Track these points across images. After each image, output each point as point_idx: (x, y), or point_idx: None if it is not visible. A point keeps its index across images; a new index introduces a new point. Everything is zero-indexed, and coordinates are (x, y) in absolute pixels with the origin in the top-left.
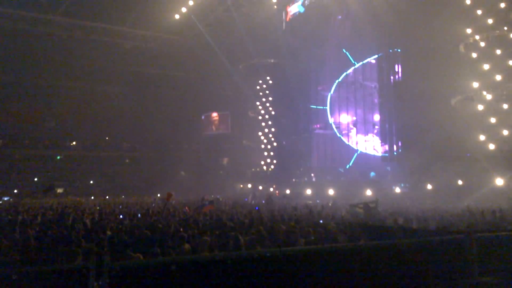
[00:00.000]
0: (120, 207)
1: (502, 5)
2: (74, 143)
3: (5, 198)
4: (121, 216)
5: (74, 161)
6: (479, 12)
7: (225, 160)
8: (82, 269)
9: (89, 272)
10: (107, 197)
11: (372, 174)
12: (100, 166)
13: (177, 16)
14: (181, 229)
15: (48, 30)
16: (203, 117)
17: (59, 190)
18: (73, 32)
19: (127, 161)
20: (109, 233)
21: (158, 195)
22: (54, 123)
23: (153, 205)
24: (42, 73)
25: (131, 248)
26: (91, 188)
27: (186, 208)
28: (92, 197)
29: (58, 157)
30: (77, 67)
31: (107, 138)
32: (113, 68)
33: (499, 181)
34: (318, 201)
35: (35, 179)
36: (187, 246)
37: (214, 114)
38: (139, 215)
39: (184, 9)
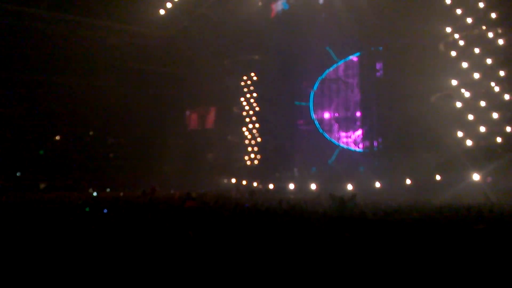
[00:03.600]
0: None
1: (481, 4)
2: (57, 137)
3: None
4: (105, 211)
5: (57, 156)
6: (458, 11)
7: (210, 156)
8: None
9: None
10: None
11: (362, 168)
12: (84, 160)
13: (162, 12)
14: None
15: (32, 24)
16: (187, 113)
17: (42, 185)
18: (57, 26)
19: (111, 155)
20: None
21: (143, 190)
22: (38, 118)
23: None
24: (25, 67)
25: None
26: (75, 182)
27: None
28: (76, 192)
29: (41, 152)
30: (61, 62)
31: (91, 133)
32: (97, 63)
33: (476, 177)
34: (300, 195)
35: (17, 174)
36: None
37: (199, 110)
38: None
39: (169, 5)
